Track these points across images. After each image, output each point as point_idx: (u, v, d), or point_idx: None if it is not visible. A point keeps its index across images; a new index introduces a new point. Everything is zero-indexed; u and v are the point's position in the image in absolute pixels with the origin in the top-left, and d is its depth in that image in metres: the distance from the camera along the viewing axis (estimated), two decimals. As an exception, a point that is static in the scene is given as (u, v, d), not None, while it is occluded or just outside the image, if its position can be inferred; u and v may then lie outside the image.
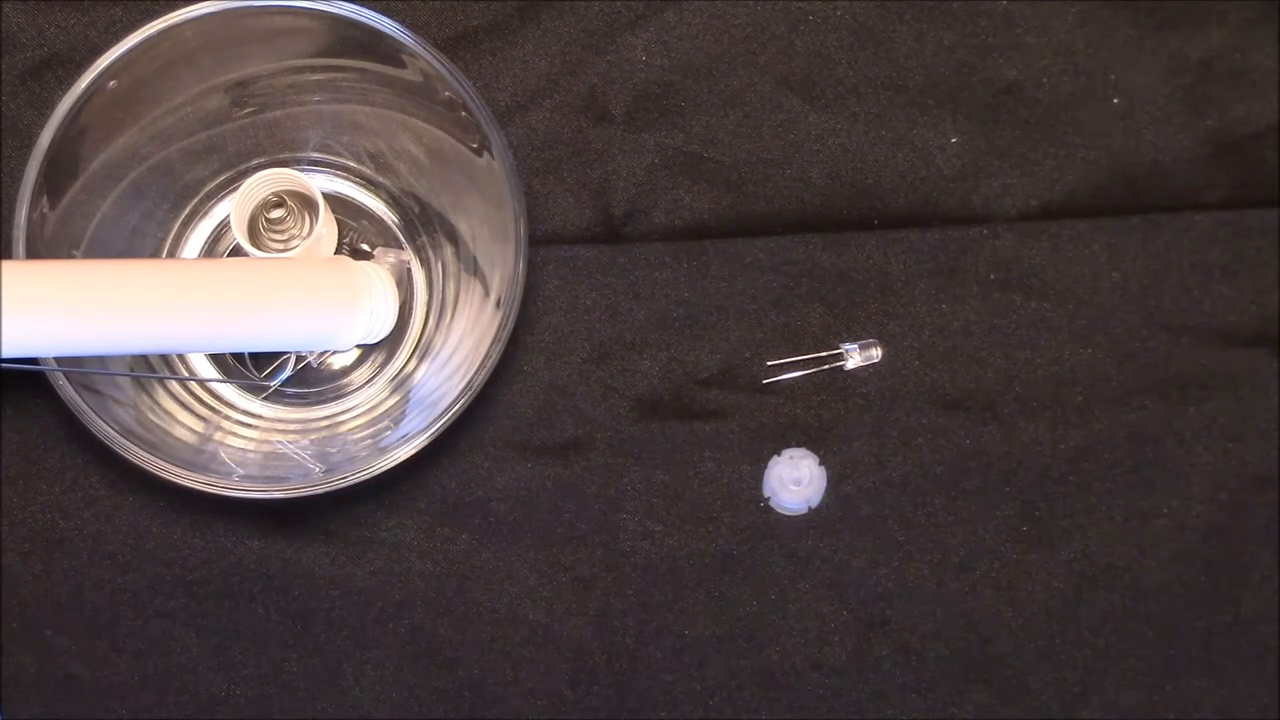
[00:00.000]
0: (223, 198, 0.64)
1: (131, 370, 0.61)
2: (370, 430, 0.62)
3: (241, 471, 0.59)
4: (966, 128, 0.65)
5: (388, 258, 0.62)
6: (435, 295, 0.64)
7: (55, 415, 0.63)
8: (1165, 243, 0.65)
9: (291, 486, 0.57)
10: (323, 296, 0.57)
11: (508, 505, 0.63)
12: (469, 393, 0.57)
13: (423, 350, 0.64)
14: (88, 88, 0.56)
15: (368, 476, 0.56)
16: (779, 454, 0.64)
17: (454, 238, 0.63)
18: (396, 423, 0.61)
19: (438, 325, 0.64)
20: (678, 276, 0.65)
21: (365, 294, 0.59)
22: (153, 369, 0.62)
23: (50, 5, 0.65)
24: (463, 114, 0.59)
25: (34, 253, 0.56)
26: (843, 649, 0.64)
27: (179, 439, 0.60)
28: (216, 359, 0.64)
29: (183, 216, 0.64)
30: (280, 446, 0.62)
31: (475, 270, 0.62)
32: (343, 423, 0.63)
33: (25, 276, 0.44)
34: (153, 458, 0.56)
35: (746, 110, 0.65)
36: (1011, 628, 0.64)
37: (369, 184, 0.65)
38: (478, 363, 0.57)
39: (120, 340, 0.49)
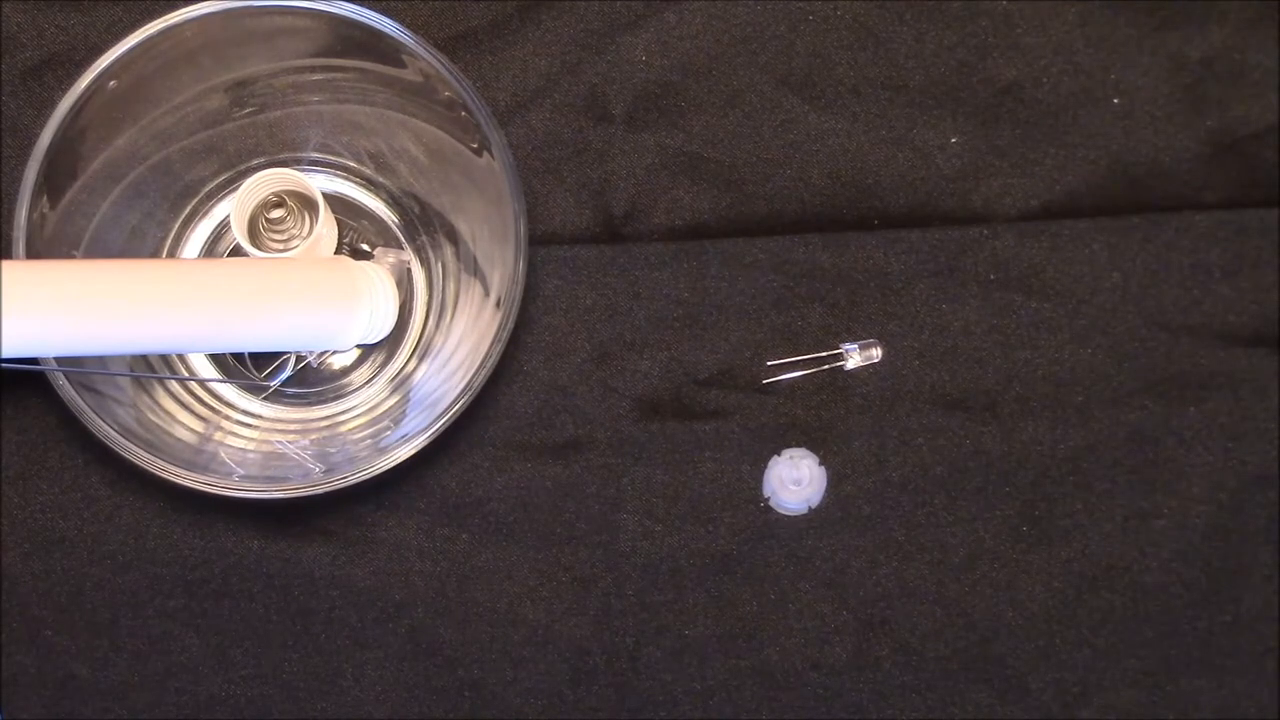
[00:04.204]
0: (223, 198, 0.64)
1: (131, 370, 0.61)
2: (370, 430, 0.62)
3: (241, 471, 0.59)
4: (966, 128, 0.65)
5: (388, 258, 0.62)
6: (435, 295, 0.64)
7: (55, 415, 0.63)
8: (1165, 243, 0.65)
9: (291, 486, 0.57)
10: (323, 296, 0.57)
11: (508, 505, 0.64)
12: (469, 393, 0.57)
13: (423, 350, 0.64)
14: (88, 88, 0.56)
15: (368, 476, 0.56)
16: (779, 454, 0.64)
17: (454, 238, 0.63)
18: (396, 423, 0.61)
19: (438, 325, 0.64)
20: (678, 276, 0.65)
21: (365, 294, 0.59)
22: (153, 369, 0.62)
23: (50, 5, 0.65)
24: (463, 114, 0.59)
25: (34, 253, 0.56)
26: (843, 649, 0.64)
27: (179, 439, 0.60)
28: (216, 359, 0.64)
29: (183, 216, 0.64)
30: (280, 446, 0.62)
31: (475, 270, 0.62)
32: (343, 423, 0.63)
33: (25, 276, 0.44)
34: (153, 458, 0.56)
35: (746, 110, 0.65)
36: (1011, 628, 0.64)
37: (369, 184, 0.65)
38: (478, 363, 0.57)
39: (120, 340, 0.49)
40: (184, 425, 0.61)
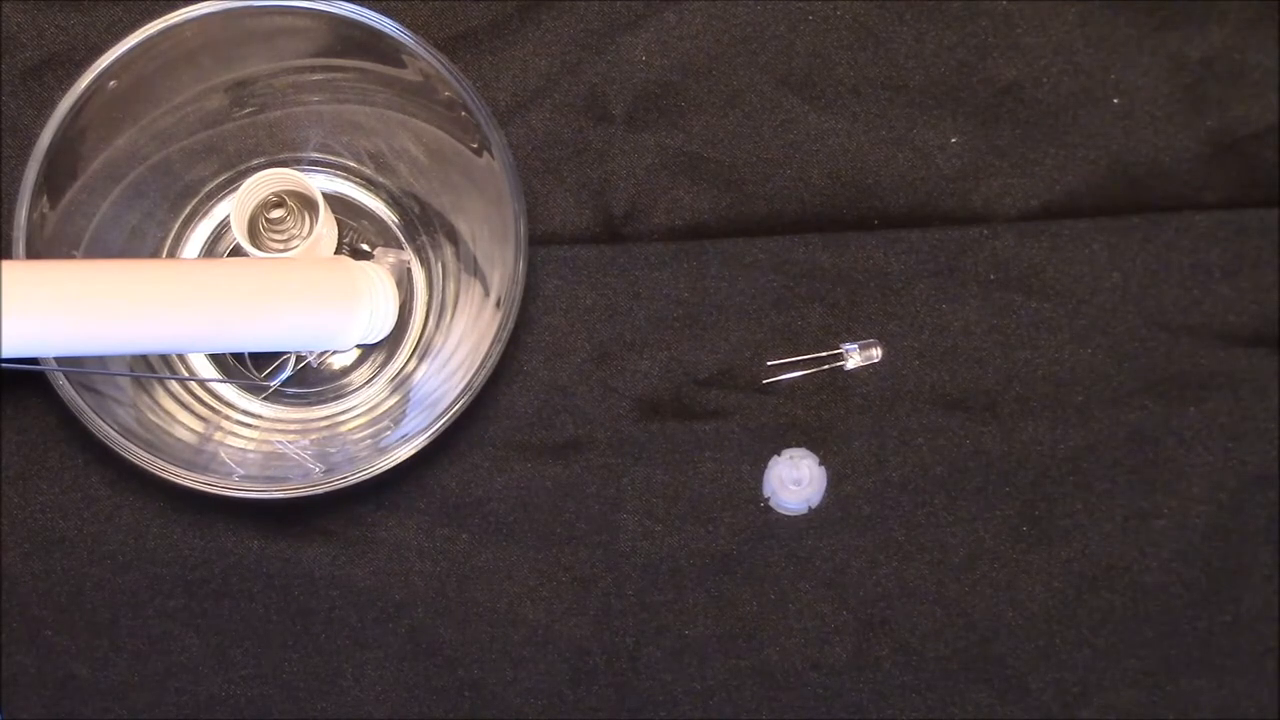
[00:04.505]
0: (223, 198, 0.64)
1: (131, 370, 0.61)
2: (370, 430, 0.62)
3: (241, 471, 0.59)
4: (966, 128, 0.65)
5: (388, 258, 0.62)
6: (435, 295, 0.64)
7: (55, 415, 0.63)
8: (1165, 243, 0.65)
9: (291, 486, 0.57)
10: (323, 296, 0.57)
11: (508, 505, 0.64)
12: (469, 393, 0.57)
13: (423, 350, 0.64)
14: (88, 88, 0.56)
15: (368, 476, 0.56)
16: (779, 454, 0.64)
17: (454, 238, 0.63)
18: (396, 423, 0.61)
19: (438, 325, 0.64)
20: (678, 276, 0.65)
21: (365, 294, 0.59)
22: (153, 369, 0.62)
23: (50, 5, 0.65)
24: (463, 114, 0.59)
25: (34, 253, 0.56)
26: (843, 649, 0.64)
27: (179, 439, 0.60)
28: (216, 359, 0.64)
29: (183, 216, 0.64)
30: (280, 446, 0.62)
31: (475, 270, 0.62)
32: (343, 423, 0.63)
33: (25, 276, 0.44)
34: (153, 458, 0.56)
35: (746, 110, 0.65)
36: (1011, 628, 0.64)
37: (369, 184, 0.65)
38: (478, 363, 0.57)
39: (120, 340, 0.49)
40: (184, 425, 0.61)
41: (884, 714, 0.64)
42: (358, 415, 0.63)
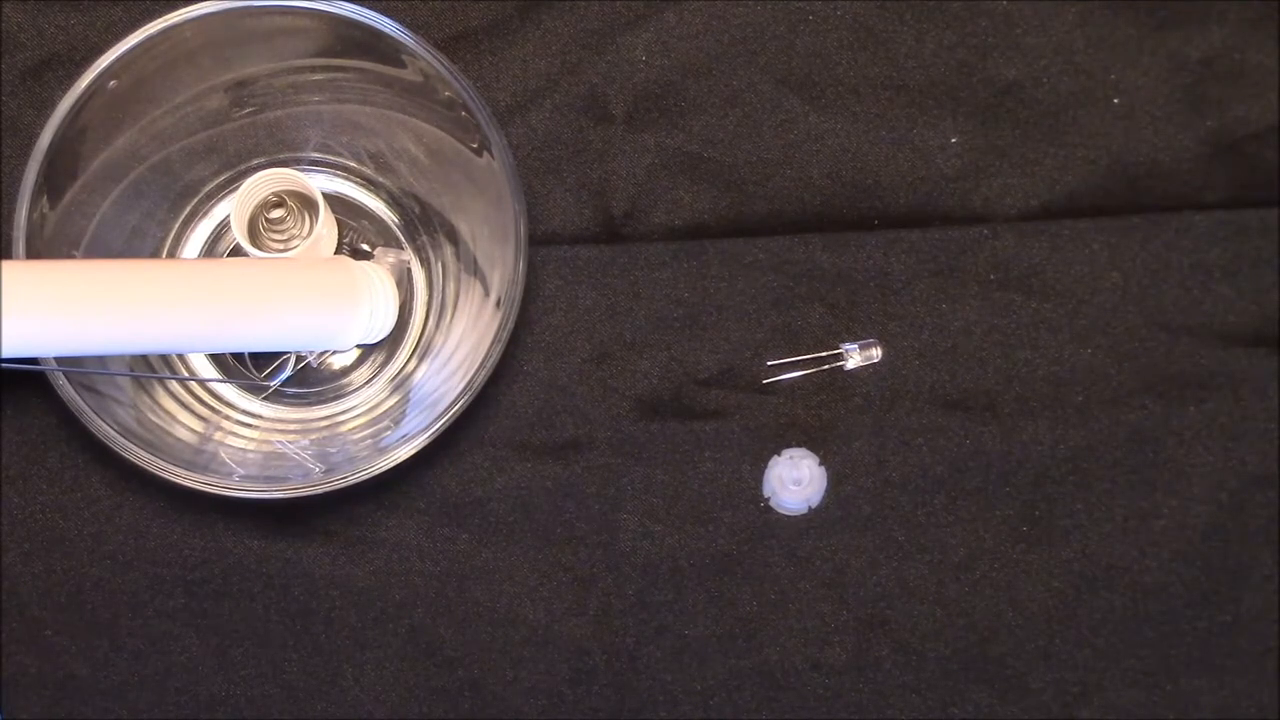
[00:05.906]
0: (223, 198, 0.64)
1: (131, 370, 0.61)
2: (370, 430, 0.62)
3: (241, 471, 0.59)
4: (966, 128, 0.66)
5: (388, 258, 0.62)
6: (435, 295, 0.64)
7: (55, 415, 0.63)
8: (1165, 243, 0.65)
9: (291, 486, 0.57)
10: (323, 296, 0.57)
11: (508, 505, 0.64)
12: (469, 393, 0.57)
13: (423, 350, 0.64)
14: (88, 88, 0.56)
15: (368, 476, 0.56)
16: (779, 454, 0.64)
17: (454, 238, 0.63)
18: (396, 423, 0.61)
19: (438, 325, 0.64)
20: (678, 276, 0.65)
21: (365, 294, 0.59)
22: (153, 369, 0.62)
23: (50, 5, 0.65)
24: (463, 114, 0.59)
25: (34, 253, 0.56)
26: (843, 649, 0.64)
27: (179, 439, 0.60)
28: (216, 359, 0.64)
29: (183, 216, 0.64)
30: (280, 446, 0.62)
31: (475, 270, 0.62)
32: (343, 423, 0.63)
33: (25, 276, 0.44)
34: (153, 458, 0.56)
35: (746, 110, 0.65)
36: (1011, 628, 0.64)
37: (369, 184, 0.65)
38: (478, 363, 0.57)
39: (120, 340, 0.49)
40: (184, 425, 0.61)
41: (884, 714, 0.63)
42: (358, 415, 0.63)
